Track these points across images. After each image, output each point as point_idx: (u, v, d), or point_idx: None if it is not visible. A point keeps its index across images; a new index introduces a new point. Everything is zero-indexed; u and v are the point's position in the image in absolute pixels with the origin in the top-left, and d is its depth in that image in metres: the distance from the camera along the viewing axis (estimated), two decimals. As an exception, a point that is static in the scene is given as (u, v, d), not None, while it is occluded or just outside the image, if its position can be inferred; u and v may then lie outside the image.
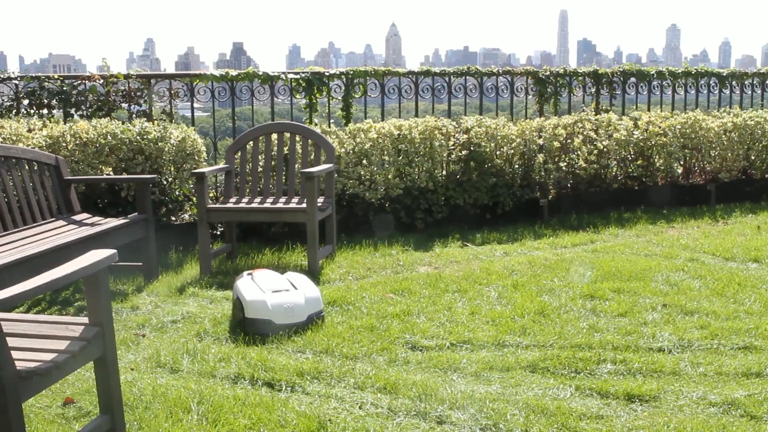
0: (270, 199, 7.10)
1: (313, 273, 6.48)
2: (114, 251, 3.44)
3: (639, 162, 9.65)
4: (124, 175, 7.12)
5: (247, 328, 5.05)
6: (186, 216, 7.80)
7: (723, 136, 9.95)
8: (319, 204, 6.72)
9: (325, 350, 4.79)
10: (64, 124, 7.56)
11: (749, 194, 10.11)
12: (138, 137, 7.31)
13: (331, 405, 4.01)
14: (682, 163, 9.90)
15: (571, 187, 9.26)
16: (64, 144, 7.11)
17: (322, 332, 5.04)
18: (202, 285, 6.24)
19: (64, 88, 8.16)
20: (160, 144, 7.34)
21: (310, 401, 4.05)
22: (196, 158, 7.72)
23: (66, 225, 6.07)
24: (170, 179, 7.51)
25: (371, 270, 6.71)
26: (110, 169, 7.22)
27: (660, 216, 9.07)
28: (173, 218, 7.63)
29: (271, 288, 5.25)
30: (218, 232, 7.75)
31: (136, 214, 6.36)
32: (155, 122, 8.05)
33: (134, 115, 8.32)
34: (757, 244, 7.40)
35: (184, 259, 7.15)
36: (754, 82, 11.90)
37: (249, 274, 5.56)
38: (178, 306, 5.72)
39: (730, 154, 9.99)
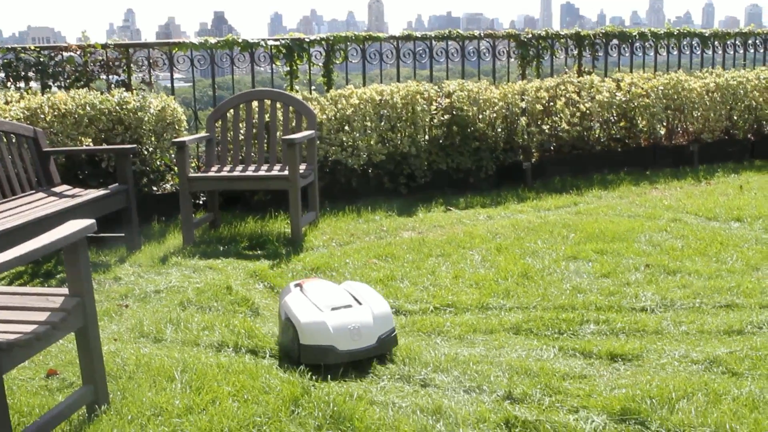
0: (252, 167, 7.06)
1: (296, 240, 6.47)
2: (92, 221, 3.41)
3: (622, 124, 9.64)
4: (104, 146, 7.06)
5: (302, 356, 4.06)
6: (168, 186, 7.75)
7: (705, 96, 9.94)
8: (301, 171, 6.68)
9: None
10: (42, 95, 7.48)
11: (732, 154, 10.13)
12: (117, 107, 7.25)
13: (314, 371, 4.01)
14: (664, 124, 9.89)
15: (554, 149, 9.25)
16: (42, 116, 7.04)
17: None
18: (185, 255, 6.21)
19: (41, 60, 8.05)
20: (139, 114, 7.28)
21: (294, 368, 4.05)
22: (177, 127, 7.66)
23: (46, 197, 6.02)
24: (151, 149, 7.45)
25: (354, 236, 6.70)
26: (90, 140, 7.16)
27: (643, 177, 9.08)
28: (155, 188, 7.58)
29: (329, 304, 4.23)
30: (201, 202, 7.71)
31: (117, 184, 6.31)
32: (134, 92, 7.97)
33: (113, 86, 8.24)
34: (740, 204, 7.42)
35: (166, 229, 7.11)
36: (737, 42, 11.87)
37: (297, 285, 4.56)
38: (161, 276, 5.70)
39: (712, 115, 9.99)
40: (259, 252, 6.31)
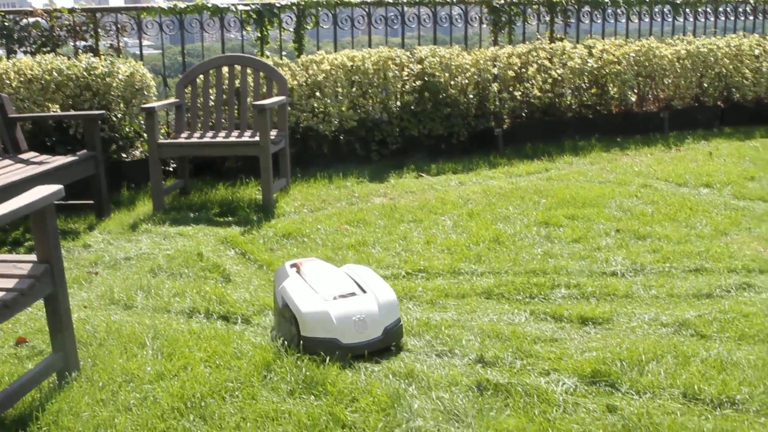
0: (222, 134, 7.00)
1: (268, 206, 6.44)
2: (60, 187, 3.37)
3: (593, 90, 9.65)
4: (72, 112, 6.96)
5: (303, 349, 3.77)
6: (137, 153, 7.67)
7: (676, 63, 9.97)
8: (272, 137, 6.64)
9: (280, 283, 4.78)
10: (7, 61, 7.35)
11: (702, 121, 10.19)
12: (85, 73, 7.14)
13: (287, 336, 4.01)
14: (635, 91, 9.91)
15: (525, 116, 9.25)
16: (7, 81, 6.93)
17: (277, 263, 5.01)
18: (155, 221, 6.16)
19: (6, 24, 7.91)
20: (107, 79, 7.18)
21: (266, 333, 4.04)
22: (146, 93, 7.56)
23: (13, 164, 5.94)
24: (119, 115, 7.36)
25: (326, 202, 6.68)
26: (57, 106, 7.06)
27: (614, 144, 9.11)
28: (124, 155, 7.50)
29: (331, 292, 3.91)
30: (171, 169, 7.64)
31: (85, 151, 6.24)
32: (102, 57, 7.85)
33: (80, 51, 8.11)
34: (709, 170, 7.47)
35: (136, 196, 7.05)
36: (708, 9, 11.90)
37: (293, 266, 4.19)
38: (131, 243, 5.66)
39: (683, 82, 10.03)
40: (230, 218, 6.27)
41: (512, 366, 3.64)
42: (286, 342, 3.83)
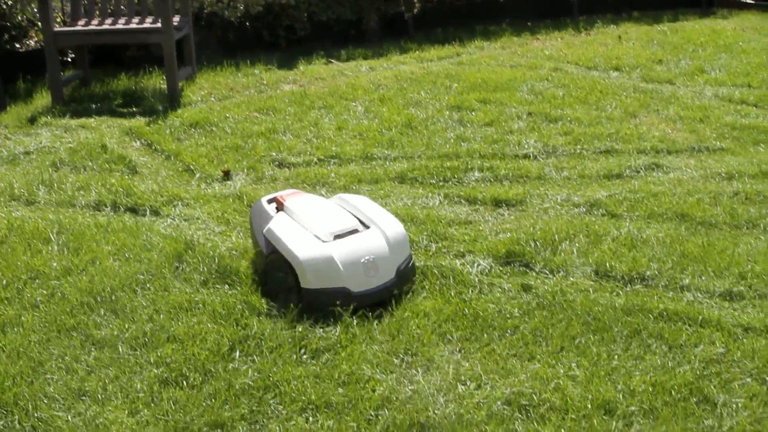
0: (122, 20, 6.67)
1: (173, 96, 6.22)
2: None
3: (503, -27, 9.53)
4: (-42, -1, 6.54)
5: (303, 303, 3.12)
6: (32, 43, 7.28)
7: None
8: (174, 23, 6.36)
9: (186, 170, 4.66)
10: None
11: (611, 5, 10.16)
12: (-31, -44, 6.69)
13: (198, 226, 3.92)
14: (545, -27, 9.81)
15: (436, 0, 9.09)
16: None
17: (184, 153, 4.88)
18: (55, 114, 5.90)
19: None
20: (-5, -37, 6.74)
21: (176, 224, 3.94)
22: (38, -22, 7.13)
23: None
24: (10, 3, 6.94)
25: (234, 90, 6.49)
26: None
27: (524, 28, 9.05)
28: (18, 45, 7.11)
29: (328, 230, 3.22)
30: (69, 59, 7.29)
31: (-25, 39, 5.89)
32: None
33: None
34: (618, 54, 7.49)
35: (33, 89, 6.72)
36: None
37: (272, 201, 3.57)
38: (30, 137, 5.41)
39: (592, -36, 9.96)
40: (134, 109, 6.05)
41: (427, 249, 3.63)
42: (280, 297, 3.20)
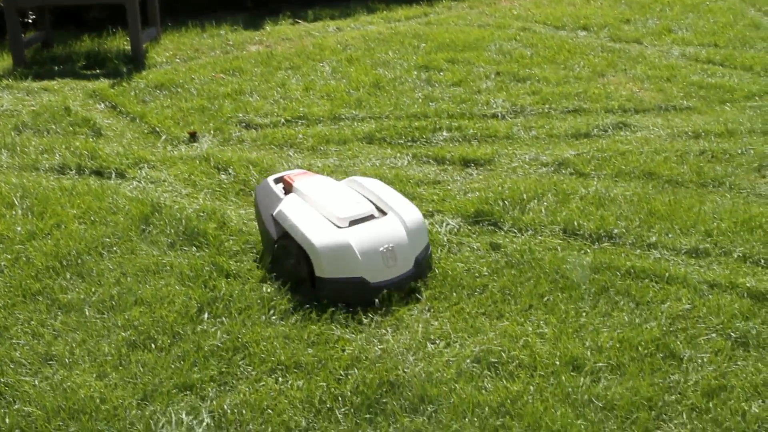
0: (84, -20, 6.56)
1: (138, 57, 6.12)
2: None
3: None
4: None
5: (318, 292, 2.95)
6: (-9, 3, 7.12)
7: None
8: (138, -17, 6.25)
9: (152, 132, 4.61)
10: None
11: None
12: None
13: (164, 188, 3.88)
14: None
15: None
16: None
17: (150, 115, 4.82)
18: (17, 77, 5.78)
19: None
20: None
21: (142, 187, 3.89)
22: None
23: None
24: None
25: (199, 51, 6.40)
26: None
27: (492, -13, 9.00)
28: (-24, 7, 6.95)
29: (344, 215, 3.01)
30: (30, 21, 7.14)
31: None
32: None
33: None
34: (587, 13, 7.48)
35: (-7, 51, 6.60)
36: None
37: (279, 181, 3.36)
38: (-9, 100, 5.32)
39: None
40: (98, 71, 5.95)
41: (396, 209, 3.62)
42: (290, 285, 3.00)
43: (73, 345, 2.72)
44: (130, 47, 6.29)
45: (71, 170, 4.12)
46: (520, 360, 2.62)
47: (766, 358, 2.64)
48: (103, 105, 5.16)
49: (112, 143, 4.47)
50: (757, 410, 2.41)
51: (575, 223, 3.47)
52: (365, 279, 2.91)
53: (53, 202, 3.68)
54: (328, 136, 4.51)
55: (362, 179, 3.27)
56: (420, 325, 2.79)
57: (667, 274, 3.07)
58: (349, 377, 2.55)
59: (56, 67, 6.05)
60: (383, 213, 3.09)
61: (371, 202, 3.13)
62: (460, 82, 5.40)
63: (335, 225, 2.97)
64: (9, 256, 3.23)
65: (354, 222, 2.99)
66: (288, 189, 3.23)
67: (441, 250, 3.27)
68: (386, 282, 2.93)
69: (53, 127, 4.74)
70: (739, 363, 2.62)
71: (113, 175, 4.06)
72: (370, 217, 3.03)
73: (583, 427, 2.35)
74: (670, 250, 3.29)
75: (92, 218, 3.53)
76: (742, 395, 2.47)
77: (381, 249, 2.92)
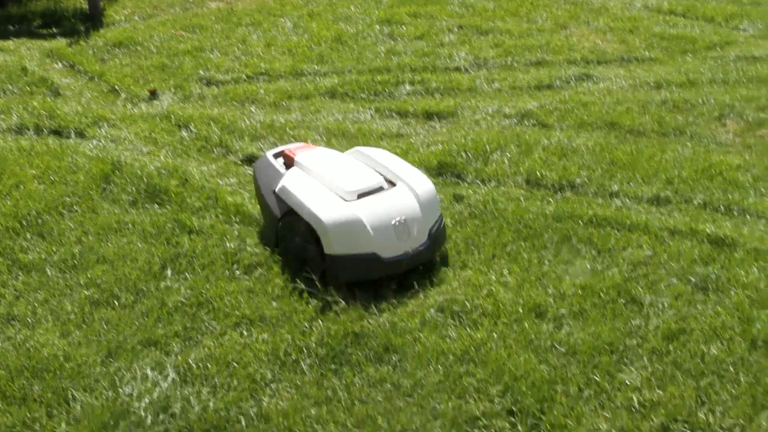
0: (37, -63, 6.40)
1: (95, 15, 6.00)
2: None
3: None
4: None
5: (329, 273, 2.77)
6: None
7: None
8: (93, -61, 6.11)
9: (111, 91, 4.55)
10: None
11: None
12: None
13: (125, 147, 3.84)
14: None
15: None
16: None
17: (109, 74, 4.75)
18: (-29, 37, 5.67)
19: None
20: None
21: (102, 145, 3.85)
22: None
23: None
24: None
25: (158, 8, 6.29)
26: None
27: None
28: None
29: (351, 188, 2.83)
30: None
31: None
32: None
33: None
34: (548, -36, 7.44)
35: (-54, 10, 6.44)
36: None
37: (278, 155, 3.14)
38: (-56, 60, 5.21)
39: None
40: (54, 30, 5.83)
41: (360, 163, 3.61)
42: (297, 262, 2.85)
43: (36, 304, 2.70)
44: (87, 5, 6.17)
45: (29, 130, 4.06)
46: (484, 308, 2.64)
47: (724, 301, 2.69)
48: (60, 64, 5.07)
49: (70, 102, 4.41)
50: (715, 352, 2.46)
51: (538, 174, 3.49)
52: (378, 254, 2.72)
53: (11, 162, 3.63)
54: (290, 91, 4.48)
55: (367, 149, 3.14)
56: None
57: (628, 222, 3.11)
58: (314, 329, 2.56)
59: (11, 27, 5.92)
60: (392, 184, 2.91)
61: (379, 173, 2.95)
62: (422, 36, 5.37)
63: (343, 199, 2.79)
64: (-33, 218, 3.19)
65: (362, 195, 2.81)
66: (289, 163, 3.09)
67: (404, 203, 3.27)
68: (400, 256, 2.76)
69: (9, 87, 4.66)
70: (698, 307, 2.66)
71: (72, 135, 4.00)
72: (380, 189, 2.85)
73: (546, 371, 2.38)
74: (631, 199, 3.32)
75: (52, 178, 3.49)
76: (701, 338, 2.52)
77: (393, 222, 2.76)
